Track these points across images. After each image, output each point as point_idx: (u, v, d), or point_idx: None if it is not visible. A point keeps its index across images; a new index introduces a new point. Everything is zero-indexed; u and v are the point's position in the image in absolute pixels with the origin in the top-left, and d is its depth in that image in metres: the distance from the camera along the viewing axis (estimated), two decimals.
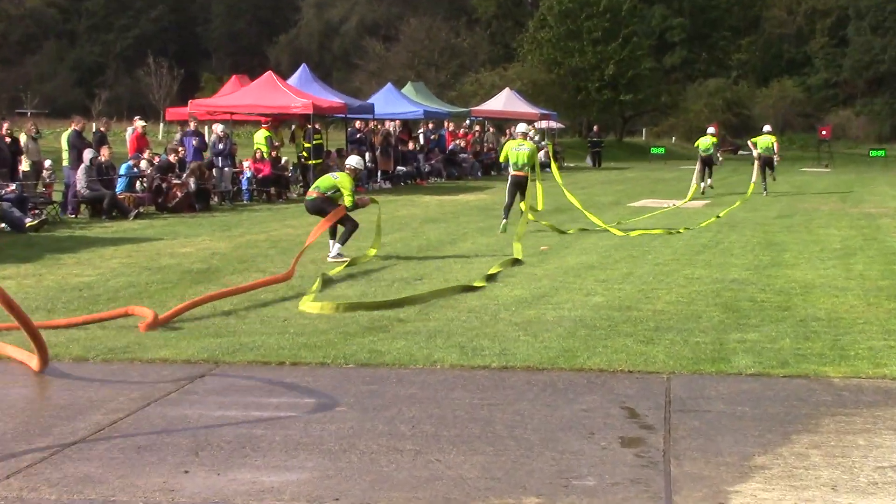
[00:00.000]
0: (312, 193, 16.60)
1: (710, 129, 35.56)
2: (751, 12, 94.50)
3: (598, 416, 7.47)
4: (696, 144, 34.54)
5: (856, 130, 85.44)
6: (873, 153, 58.48)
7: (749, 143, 35.68)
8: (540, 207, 22.64)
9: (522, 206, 20.54)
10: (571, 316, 11.25)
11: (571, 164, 55.24)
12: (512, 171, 20.96)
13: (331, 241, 16.50)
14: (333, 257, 16.08)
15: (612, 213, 24.76)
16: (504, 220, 20.84)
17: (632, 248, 17.92)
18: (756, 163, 33.43)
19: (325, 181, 16.60)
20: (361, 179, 32.83)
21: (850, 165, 57.13)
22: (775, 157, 33.42)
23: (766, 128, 35.80)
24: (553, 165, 26.45)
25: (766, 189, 32.60)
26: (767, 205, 28.01)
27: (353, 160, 17.37)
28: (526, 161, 20.73)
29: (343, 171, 17.10)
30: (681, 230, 20.91)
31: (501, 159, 22.15)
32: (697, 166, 33.71)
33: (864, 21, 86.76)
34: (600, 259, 16.34)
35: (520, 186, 20.76)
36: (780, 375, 8.65)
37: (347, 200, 16.28)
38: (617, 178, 31.10)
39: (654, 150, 62.84)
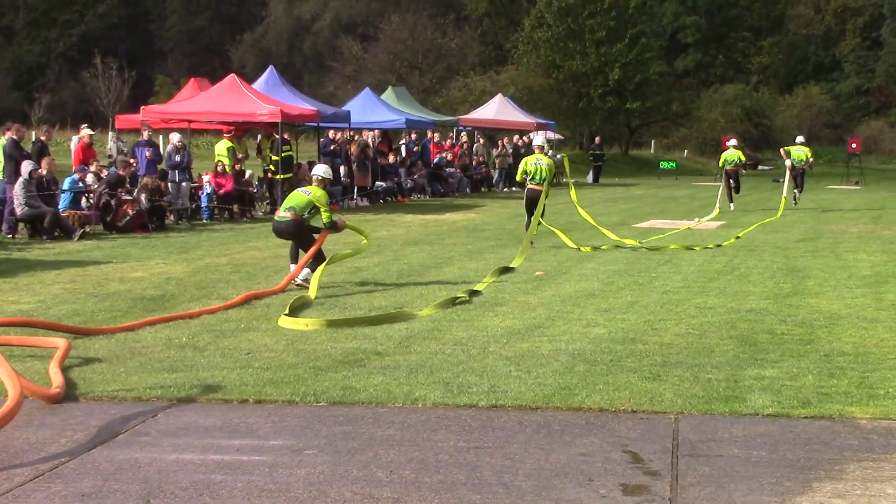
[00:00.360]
0: (286, 215, 16.54)
1: (733, 141, 37.12)
2: (774, 10, 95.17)
3: (597, 461, 7.54)
4: (720, 163, 36.19)
5: (890, 143, 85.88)
6: None
7: (782, 151, 37.30)
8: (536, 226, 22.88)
9: (580, 210, 24.20)
10: (569, 349, 11.33)
11: (572, 180, 55.39)
12: (529, 185, 22.76)
13: (292, 265, 16.59)
14: (302, 281, 16.12)
15: (616, 235, 24.87)
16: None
17: (637, 274, 18.02)
18: (787, 174, 35.38)
19: (297, 199, 16.63)
20: (335, 195, 32.92)
21: (882, 182, 57.46)
22: (808, 169, 36.15)
23: (800, 138, 37.72)
24: (569, 180, 26.77)
25: (797, 200, 35.37)
26: (790, 226, 28.18)
27: (320, 169, 17.37)
28: (545, 175, 22.53)
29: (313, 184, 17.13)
30: (709, 246, 21.36)
31: (519, 177, 23.23)
32: (722, 182, 35.31)
33: None
34: (602, 286, 16.43)
35: (535, 202, 22.36)
36: (801, 416, 8.73)
37: (325, 216, 16.38)
38: (622, 195, 31.26)
39: (663, 165, 63.24)
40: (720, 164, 36.41)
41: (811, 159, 36.53)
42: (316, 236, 16.58)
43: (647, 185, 53.08)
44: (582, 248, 21.96)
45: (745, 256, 20.84)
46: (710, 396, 9.26)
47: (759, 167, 67.55)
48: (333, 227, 16.62)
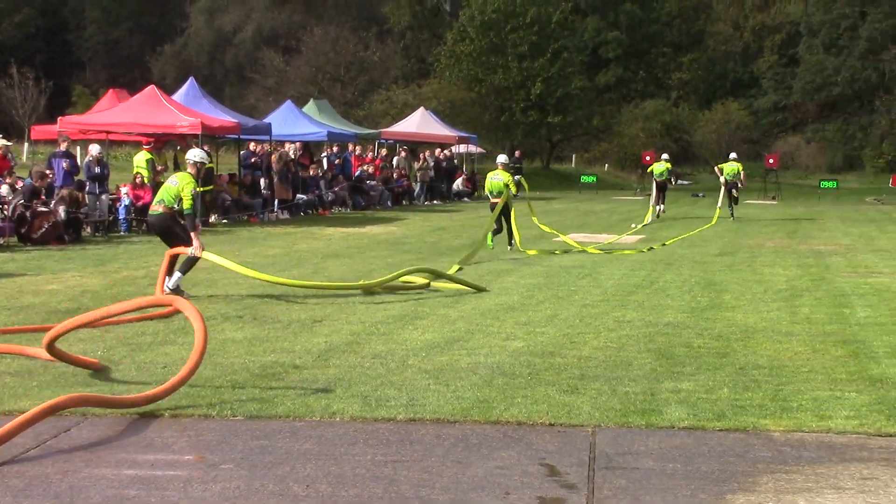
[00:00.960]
0: (157, 208, 16.52)
1: (664, 156, 40.63)
2: (693, 27, 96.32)
3: (514, 474, 7.56)
4: (649, 170, 39.96)
5: (806, 159, 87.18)
6: (824, 184, 59.78)
7: (715, 168, 40.58)
8: (489, 233, 24.96)
9: (535, 220, 28.39)
10: (488, 362, 11.35)
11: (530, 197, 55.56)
12: (491, 199, 25.56)
13: (177, 274, 16.46)
14: (172, 288, 15.99)
15: (535, 248, 24.98)
16: (509, 246, 24.85)
17: (557, 287, 18.11)
18: (721, 189, 37.88)
19: (166, 191, 16.51)
20: (257, 206, 32.73)
21: (799, 198, 58.30)
22: (740, 184, 37.90)
23: (733, 155, 40.58)
24: (528, 197, 27.98)
25: (733, 214, 37.43)
26: (708, 241, 28.48)
27: (194, 153, 17.23)
28: (502, 188, 25.00)
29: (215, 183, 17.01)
30: (654, 246, 21.87)
31: (486, 191, 26.18)
32: (653, 192, 38.47)
33: (817, 39, 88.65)
34: (522, 300, 16.50)
35: (501, 210, 24.88)
36: (716, 429, 8.82)
37: (186, 203, 16.23)
38: (543, 209, 31.45)
39: (584, 179, 63.64)
40: (649, 170, 39.80)
41: (743, 174, 38.08)
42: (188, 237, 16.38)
43: (567, 198, 53.39)
44: (588, 249, 25.27)
45: (664, 270, 21.02)
46: (627, 409, 9.33)
47: (679, 182, 68.10)
48: (192, 218, 16.32)
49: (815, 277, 19.89)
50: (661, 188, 38.46)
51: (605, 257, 23.68)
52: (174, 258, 16.52)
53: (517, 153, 59.30)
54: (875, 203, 52.81)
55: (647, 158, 57.74)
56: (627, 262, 22.63)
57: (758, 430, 8.79)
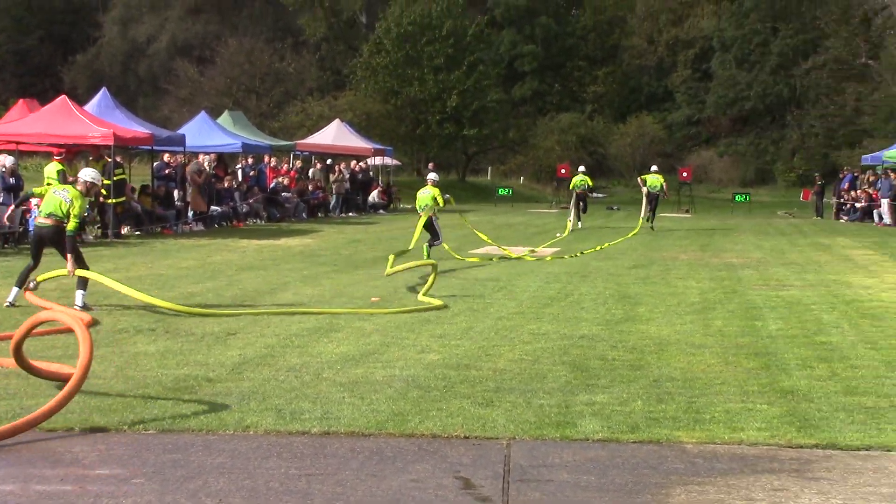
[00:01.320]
0: (48, 220, 16.20)
1: (581, 168, 42.90)
2: (608, 41, 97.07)
3: (429, 488, 7.57)
4: (571, 186, 41.45)
5: (719, 172, 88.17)
6: (738, 198, 60.50)
7: (638, 179, 42.26)
8: (410, 246, 25.39)
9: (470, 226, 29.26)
10: (403, 375, 11.36)
11: (408, 206, 55.62)
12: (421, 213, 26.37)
13: (79, 292, 16.21)
14: (80, 306, 15.84)
15: (450, 263, 25.03)
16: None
17: (472, 300, 18.16)
18: (644, 200, 39.44)
19: (58, 206, 16.15)
20: (171, 220, 32.45)
21: (711, 210, 59.04)
22: (664, 195, 39.99)
23: (654, 167, 42.04)
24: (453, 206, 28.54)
25: (653, 225, 38.72)
26: (623, 253, 28.70)
27: (86, 173, 16.98)
28: (428, 203, 25.93)
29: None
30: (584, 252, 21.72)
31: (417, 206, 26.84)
32: (573, 203, 40.20)
33: (730, 53, 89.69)
34: (437, 312, 16.51)
35: (425, 224, 25.85)
36: (630, 441, 8.90)
37: (72, 224, 15.97)
38: (458, 221, 31.53)
39: (500, 192, 63.79)
40: (570, 187, 41.23)
41: (665, 185, 39.88)
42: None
43: (483, 211, 53.45)
44: (524, 257, 26.59)
45: (579, 283, 21.15)
46: (541, 422, 9.38)
47: (594, 195, 68.60)
48: (73, 240, 16.03)
49: (727, 290, 20.13)
50: (582, 199, 40.41)
51: (522, 269, 23.76)
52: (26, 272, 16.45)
53: (430, 166, 59.25)
54: (786, 216, 53.61)
55: (563, 171, 58.21)
56: (542, 274, 22.74)
57: (671, 442, 8.88)
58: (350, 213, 47.36)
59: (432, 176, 27.88)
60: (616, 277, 22.34)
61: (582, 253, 27.79)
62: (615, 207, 58.93)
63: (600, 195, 73.52)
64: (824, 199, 52.81)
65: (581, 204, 40.44)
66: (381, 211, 50.43)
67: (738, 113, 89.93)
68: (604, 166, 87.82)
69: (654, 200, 39.45)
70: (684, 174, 61.18)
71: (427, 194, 26.29)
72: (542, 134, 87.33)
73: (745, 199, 60.18)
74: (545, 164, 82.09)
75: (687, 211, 56.11)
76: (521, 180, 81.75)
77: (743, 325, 15.49)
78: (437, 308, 16.82)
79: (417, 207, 26.61)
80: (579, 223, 39.53)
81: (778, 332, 14.91)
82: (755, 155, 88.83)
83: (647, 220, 38.98)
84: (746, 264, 25.81)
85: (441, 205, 26.28)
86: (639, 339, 14.12)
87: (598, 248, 28.99)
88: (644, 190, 39.42)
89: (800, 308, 17.59)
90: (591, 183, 43.14)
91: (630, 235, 34.71)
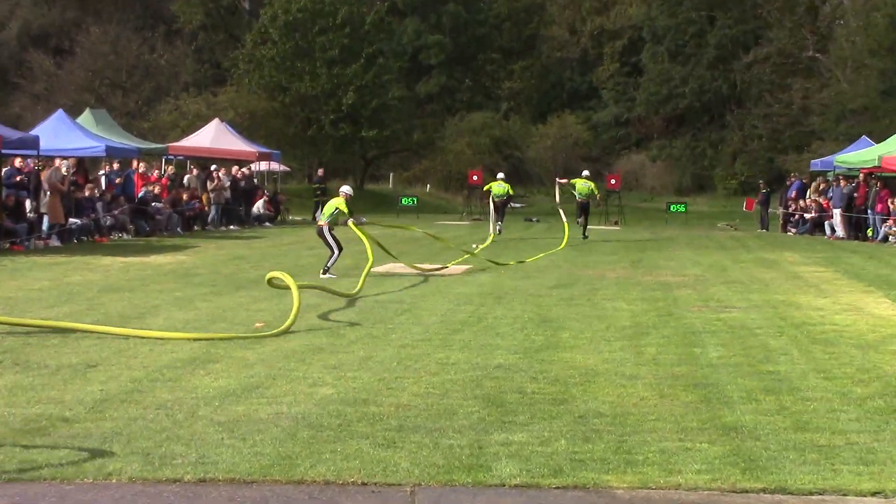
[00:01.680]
0: None
1: (500, 175, 44.86)
2: (525, 31, 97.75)
3: None
4: (486, 188, 44.26)
5: (652, 179, 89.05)
6: (674, 208, 61.08)
7: (559, 182, 44.53)
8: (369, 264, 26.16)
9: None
10: (292, 413, 11.25)
11: (298, 218, 55.47)
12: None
13: None
14: None
15: (345, 282, 24.91)
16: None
17: (371, 325, 18.09)
18: (556, 198, 42.46)
19: None
20: (20, 233, 31.97)
21: (643, 222, 59.56)
22: (598, 203, 42.90)
23: (585, 173, 43.64)
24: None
25: (585, 234, 41.13)
26: (543, 271, 28.80)
27: None
28: (330, 211, 26.90)
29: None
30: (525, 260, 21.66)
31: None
32: (491, 211, 42.32)
33: (662, 45, 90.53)
34: (331, 339, 16.42)
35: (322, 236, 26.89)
36: (552, 486, 8.86)
37: None
38: (355, 235, 31.41)
39: (404, 201, 63.86)
40: (488, 193, 43.72)
41: (598, 193, 42.46)
42: None
43: (385, 223, 53.44)
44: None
45: (493, 305, 21.17)
46: (451, 465, 9.31)
47: (511, 205, 68.80)
48: None
49: (662, 313, 20.26)
50: (500, 208, 42.83)
51: (428, 289, 23.74)
52: None
53: (319, 172, 58.89)
54: (727, 229, 54.20)
55: (475, 178, 58.40)
56: (452, 295, 22.74)
57: (599, 488, 8.86)
58: (231, 227, 47.09)
59: (346, 189, 28.40)
60: (536, 298, 22.39)
61: (521, 262, 29.38)
62: (534, 219, 59.18)
63: (517, 205, 73.87)
64: (770, 210, 53.43)
65: (499, 214, 42.71)
66: (268, 223, 50.21)
67: (673, 112, 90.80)
68: (521, 172, 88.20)
69: (584, 209, 41.55)
70: (612, 181, 61.61)
71: (331, 203, 27.41)
72: (452, 136, 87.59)
73: (681, 209, 60.79)
74: (455, 170, 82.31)
75: (616, 223, 56.51)
76: (428, 188, 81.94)
77: (680, 353, 15.57)
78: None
79: (323, 216, 27.42)
80: (498, 228, 41.90)
81: (719, 359, 15.01)
82: (692, 159, 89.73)
83: (581, 232, 41.22)
84: (683, 283, 26.02)
85: (346, 212, 26.75)
86: (562, 368, 14.12)
87: (541, 255, 29.84)
88: (576, 196, 41.82)
89: (743, 332, 17.74)
90: (511, 191, 44.85)
91: (560, 248, 35.88)
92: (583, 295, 23.21)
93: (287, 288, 19.57)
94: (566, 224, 38.85)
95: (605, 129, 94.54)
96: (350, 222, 27.04)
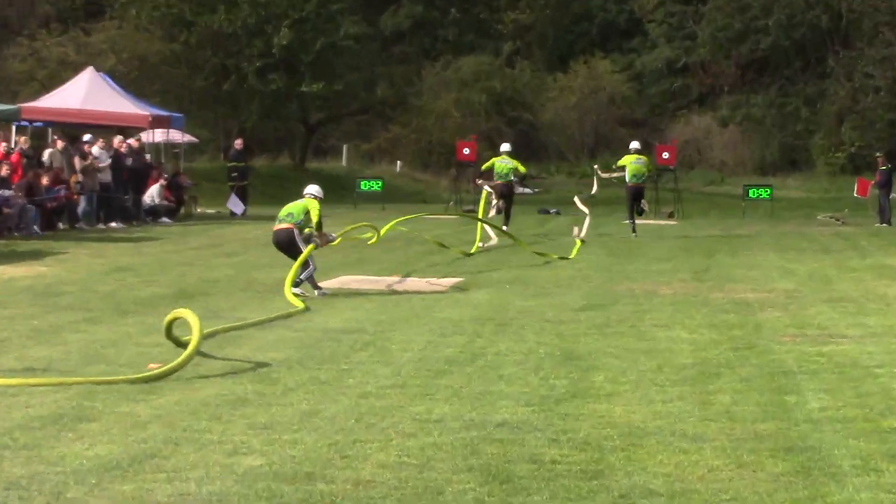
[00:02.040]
0: None
1: (505, 146, 44.90)
2: None
3: None
4: (486, 167, 44.75)
5: (721, 152, 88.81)
6: (753, 193, 61.07)
7: (612, 176, 46.23)
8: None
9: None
10: (203, 494, 11.29)
11: (210, 211, 55.46)
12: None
13: None
14: None
15: (274, 305, 24.91)
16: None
17: (318, 365, 18.06)
18: (624, 193, 43.56)
19: None
20: None
21: (711, 213, 59.77)
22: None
23: (635, 144, 44.75)
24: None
25: (634, 230, 42.45)
26: (565, 285, 28.83)
27: None
28: (293, 212, 27.57)
29: None
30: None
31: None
32: (493, 200, 42.49)
33: None
34: (259, 386, 16.39)
35: (281, 244, 27.67)
36: None
37: None
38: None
39: (364, 186, 63.79)
40: (487, 170, 44.38)
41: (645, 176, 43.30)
42: None
43: (335, 217, 53.35)
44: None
45: (494, 335, 21.16)
46: None
47: (521, 190, 68.56)
48: None
49: (739, 345, 20.27)
50: (506, 195, 42.82)
51: (401, 313, 23.74)
52: None
53: (236, 143, 58.21)
54: (831, 222, 54.28)
55: (465, 151, 58.37)
56: (435, 321, 22.74)
57: None
58: (113, 223, 47.01)
59: (315, 190, 28.70)
60: (556, 325, 22.40)
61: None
62: (553, 210, 59.23)
63: (528, 191, 73.86)
64: (892, 195, 53.41)
65: (502, 204, 42.58)
66: (166, 218, 50.17)
67: (751, 56, 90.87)
68: (533, 143, 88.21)
69: (638, 195, 42.70)
70: (665, 155, 61.55)
71: (300, 202, 27.96)
72: (432, 91, 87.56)
73: (765, 194, 60.86)
74: (437, 141, 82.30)
75: (671, 214, 56.48)
76: (398, 167, 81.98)
77: (765, 403, 15.58)
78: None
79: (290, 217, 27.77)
80: (504, 227, 41.09)
81: (822, 412, 15.02)
82: (779, 123, 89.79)
83: (630, 225, 42.76)
84: (769, 302, 26.07)
85: (314, 221, 27.30)
86: (595, 427, 14.12)
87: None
88: (626, 178, 42.92)
89: (857, 373, 17.74)
90: (522, 169, 45.37)
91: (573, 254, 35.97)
92: (624, 320, 23.23)
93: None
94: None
95: (653, 81, 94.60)
96: (312, 243, 27.04)
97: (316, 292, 26.44)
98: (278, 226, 27.72)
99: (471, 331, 21.71)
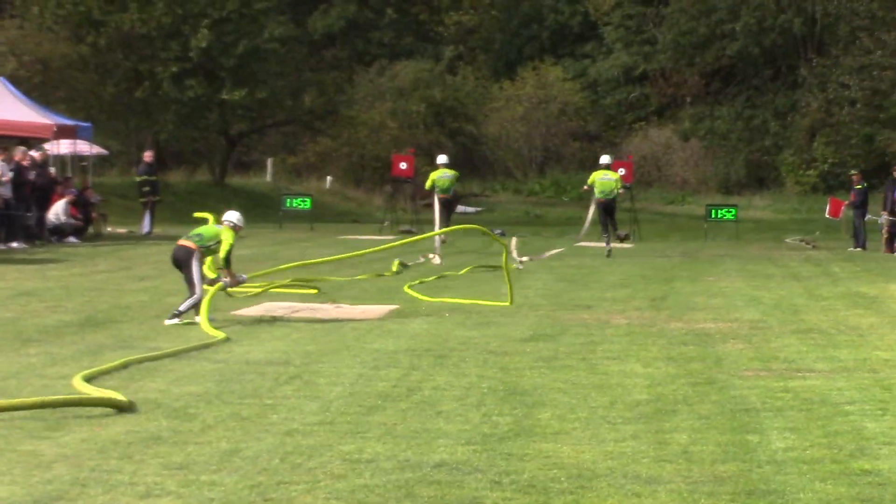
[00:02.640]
0: None
1: (442, 158, 46.55)
2: None
3: None
4: (429, 183, 45.92)
5: (682, 169, 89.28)
6: (718, 214, 61.19)
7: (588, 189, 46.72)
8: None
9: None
10: None
11: (121, 230, 55.36)
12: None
13: None
14: None
15: (191, 334, 24.95)
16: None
17: (239, 400, 18.10)
18: (590, 211, 44.85)
19: None
20: None
21: (672, 236, 59.84)
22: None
23: (605, 159, 46.96)
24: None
25: (609, 250, 43.60)
26: (510, 314, 28.92)
27: None
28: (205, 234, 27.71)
29: None
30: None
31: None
32: (435, 214, 43.13)
33: None
34: (175, 422, 16.40)
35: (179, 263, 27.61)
36: None
37: None
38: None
39: (290, 203, 63.76)
40: (427, 187, 45.43)
41: (621, 190, 44.93)
42: None
43: (256, 237, 53.30)
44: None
45: (433, 367, 21.23)
46: None
47: (460, 208, 68.61)
48: None
49: (698, 380, 20.39)
50: (447, 206, 44.71)
51: (331, 343, 23.79)
52: None
53: (146, 156, 58.06)
54: (801, 246, 54.47)
55: (402, 166, 58.50)
56: (366, 353, 22.79)
57: None
58: (15, 243, 46.93)
59: (235, 218, 28.38)
60: (500, 357, 22.47)
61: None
62: (498, 231, 59.25)
63: (470, 209, 73.96)
64: (867, 216, 53.64)
65: (445, 217, 43.54)
66: (72, 238, 50.10)
67: (716, 63, 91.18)
68: (475, 157, 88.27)
69: (608, 210, 44.80)
70: (621, 171, 61.59)
71: (214, 227, 28.18)
72: (366, 100, 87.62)
73: (730, 215, 61.00)
74: (370, 155, 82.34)
75: (625, 237, 56.48)
76: (328, 182, 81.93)
77: (726, 442, 15.70)
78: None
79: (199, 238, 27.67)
80: (438, 241, 41.52)
81: (787, 452, 15.15)
82: (746, 137, 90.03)
83: (605, 243, 43.78)
84: (731, 332, 26.20)
85: (221, 255, 27.18)
86: (541, 467, 14.22)
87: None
88: (594, 197, 44.63)
89: (826, 410, 17.88)
90: (454, 180, 46.75)
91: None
92: (574, 352, 23.31)
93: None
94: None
95: (608, 90, 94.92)
96: (221, 283, 27.06)
97: (197, 318, 26.28)
98: (182, 241, 27.54)
99: (406, 363, 21.79)
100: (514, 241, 41.75)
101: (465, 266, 39.17)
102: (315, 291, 32.21)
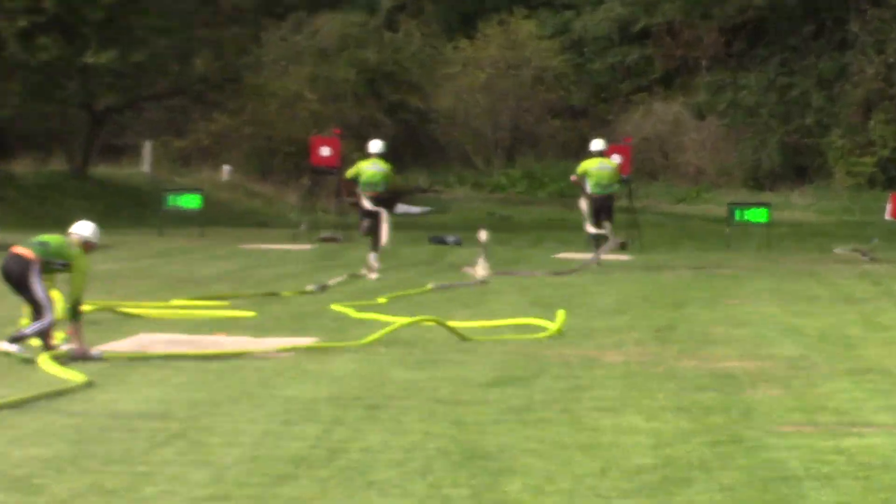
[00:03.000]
0: None
1: (376, 145, 45.33)
2: None
3: None
4: (350, 175, 45.30)
5: (696, 156, 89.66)
6: (741, 215, 61.43)
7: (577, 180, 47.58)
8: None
9: None
10: None
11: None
12: None
13: None
14: None
15: (38, 377, 24.81)
16: None
17: (103, 467, 17.97)
18: (582, 206, 45.85)
19: None
20: None
21: (682, 244, 60.06)
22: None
23: (598, 144, 47.35)
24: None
25: (599, 259, 44.83)
26: (470, 351, 28.80)
27: None
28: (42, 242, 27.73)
29: None
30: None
31: None
32: (362, 217, 43.66)
33: None
34: (14, 493, 16.33)
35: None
36: None
37: None
38: (63, 276, 31.40)
39: (174, 202, 63.83)
40: (347, 176, 45.52)
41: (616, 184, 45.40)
42: None
43: (127, 246, 53.28)
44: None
45: (363, 421, 21.16)
46: None
47: (400, 207, 68.63)
48: None
49: (719, 438, 20.32)
50: (385, 203, 43.80)
51: (229, 389, 23.67)
52: None
53: None
54: (856, 258, 54.56)
55: (325, 152, 58.68)
56: (275, 402, 22.67)
57: None
58: None
59: (87, 232, 28.10)
60: (453, 408, 22.39)
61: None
62: (452, 239, 59.31)
63: (415, 210, 74.12)
64: None
65: (368, 222, 42.91)
66: None
67: (740, 16, 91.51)
68: (423, 140, 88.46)
69: (605, 208, 45.51)
70: (615, 157, 61.78)
71: (61, 238, 27.82)
72: (277, 64, 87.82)
73: (761, 217, 61.22)
74: (282, 137, 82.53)
75: (622, 245, 56.57)
76: (226, 173, 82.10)
77: None
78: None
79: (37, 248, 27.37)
80: (370, 272, 41.36)
81: None
82: (780, 113, 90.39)
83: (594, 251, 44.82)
84: (764, 374, 26.20)
85: (73, 292, 26.77)
86: None
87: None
88: (586, 190, 45.38)
89: (890, 478, 17.79)
90: (390, 176, 45.04)
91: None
92: (553, 400, 23.25)
93: None
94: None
95: (598, 51, 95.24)
96: (68, 350, 26.78)
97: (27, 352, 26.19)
98: (17, 249, 27.07)
99: (328, 416, 21.67)
100: (479, 260, 41.68)
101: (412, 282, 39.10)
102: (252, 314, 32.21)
